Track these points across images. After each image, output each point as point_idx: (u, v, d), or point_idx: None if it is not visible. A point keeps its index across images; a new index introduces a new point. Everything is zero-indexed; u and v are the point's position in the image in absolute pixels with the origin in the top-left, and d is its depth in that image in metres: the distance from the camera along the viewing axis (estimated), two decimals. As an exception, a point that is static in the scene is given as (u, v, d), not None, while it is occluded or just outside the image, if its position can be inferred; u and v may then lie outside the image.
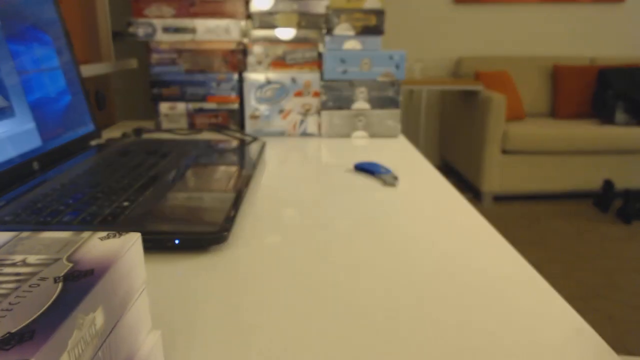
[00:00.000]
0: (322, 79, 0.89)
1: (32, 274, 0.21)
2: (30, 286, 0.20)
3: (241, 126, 0.94)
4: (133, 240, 0.24)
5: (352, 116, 0.90)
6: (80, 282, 0.20)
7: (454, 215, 0.51)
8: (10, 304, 0.18)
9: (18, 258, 0.22)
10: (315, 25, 0.90)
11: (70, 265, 0.21)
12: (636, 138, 2.75)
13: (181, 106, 0.93)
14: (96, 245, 0.23)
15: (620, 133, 2.74)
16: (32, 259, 0.22)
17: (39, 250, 0.23)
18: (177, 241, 0.41)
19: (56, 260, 0.22)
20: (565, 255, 2.11)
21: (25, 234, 0.25)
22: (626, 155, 2.80)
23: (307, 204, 0.53)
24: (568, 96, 3.13)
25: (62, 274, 0.21)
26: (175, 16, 0.90)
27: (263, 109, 0.91)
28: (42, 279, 0.20)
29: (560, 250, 2.15)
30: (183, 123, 0.93)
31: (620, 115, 2.86)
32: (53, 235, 0.24)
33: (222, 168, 0.63)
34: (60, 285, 0.20)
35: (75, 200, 0.47)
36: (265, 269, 0.39)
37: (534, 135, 2.73)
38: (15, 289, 0.19)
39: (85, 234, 0.24)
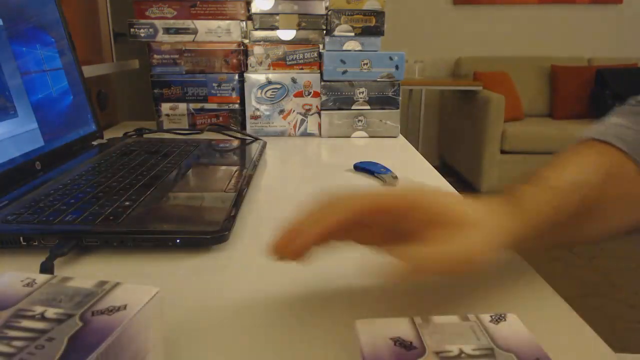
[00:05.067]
0: (322, 79, 0.90)
1: (43, 332, 0.21)
2: (35, 347, 0.20)
3: (242, 126, 0.94)
4: (147, 299, 0.24)
5: (352, 116, 0.91)
6: (84, 344, 0.21)
7: (453, 215, 0.51)
8: None
9: (38, 310, 0.23)
10: (315, 26, 0.91)
11: (80, 324, 0.22)
12: (634, 138, 2.75)
13: (182, 106, 0.93)
14: (112, 300, 0.24)
15: (619, 133, 2.75)
16: (50, 312, 0.23)
17: (59, 301, 0.24)
18: (178, 240, 0.41)
19: (70, 316, 0.23)
20: (563, 255, 2.11)
21: (56, 279, 0.26)
22: (624, 155, 2.80)
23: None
24: (566, 97, 3.13)
25: (69, 335, 0.21)
26: (176, 17, 0.90)
27: (263, 109, 0.91)
28: (50, 339, 0.21)
29: (558, 250, 2.16)
30: (184, 123, 0.94)
31: (618, 116, 2.86)
32: (78, 285, 0.25)
33: (223, 168, 0.63)
34: (63, 347, 0.20)
35: (77, 200, 0.47)
36: (266, 268, 0.39)
37: (533, 135, 2.74)
38: (23, 348, 0.20)
39: (108, 286, 0.25)
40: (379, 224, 0.32)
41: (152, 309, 0.25)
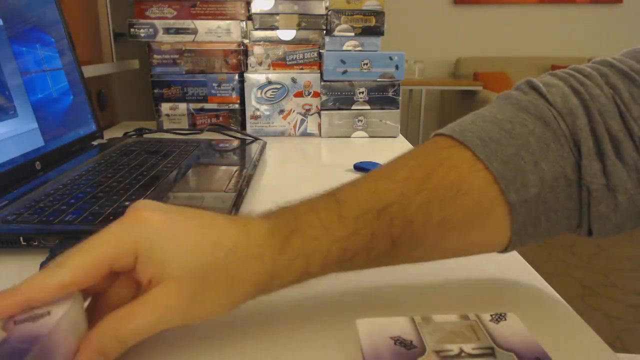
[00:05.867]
0: (322, 79, 0.90)
1: None
2: None
3: (242, 126, 0.94)
4: (70, 303, 0.24)
5: (352, 116, 0.91)
6: (13, 353, 0.20)
7: (453, 215, 0.51)
8: None
9: None
10: (315, 26, 0.91)
11: (4, 334, 0.22)
12: (634, 138, 2.75)
13: (182, 106, 0.93)
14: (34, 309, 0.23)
15: (619, 133, 2.75)
16: None
17: None
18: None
19: None
20: (563, 255, 2.11)
21: None
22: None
23: (308, 204, 0.54)
24: (567, 96, 3.13)
25: None
26: (177, 17, 0.90)
27: (263, 109, 0.91)
28: None
29: (558, 250, 2.16)
30: (184, 123, 0.94)
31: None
32: None
33: (223, 168, 0.63)
34: None
35: (77, 200, 0.47)
36: (267, 267, 0.39)
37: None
38: None
39: None
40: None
41: (76, 312, 0.24)
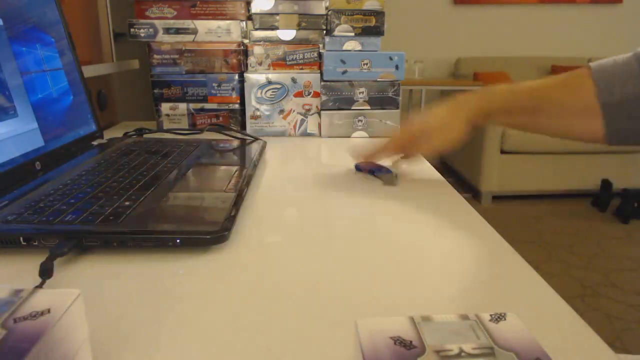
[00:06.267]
0: (322, 79, 0.90)
1: None
2: None
3: (242, 126, 0.95)
4: (70, 301, 0.24)
5: (352, 116, 0.91)
6: (13, 350, 0.20)
7: (453, 215, 0.51)
8: None
9: None
10: (315, 26, 0.91)
11: (4, 332, 0.21)
12: (634, 138, 2.75)
13: (182, 106, 0.93)
14: (33, 306, 0.23)
15: (619, 133, 2.74)
16: None
17: None
18: (178, 240, 0.41)
19: None
20: (563, 255, 2.11)
21: None
22: (624, 154, 2.81)
23: (308, 204, 0.54)
24: (567, 96, 3.12)
25: None
26: (177, 17, 0.90)
27: (263, 109, 0.91)
28: None
29: (558, 250, 2.16)
30: (184, 123, 0.94)
31: (618, 116, 2.86)
32: None
33: (223, 168, 0.63)
34: None
35: (77, 200, 0.47)
36: (266, 268, 0.39)
37: (532, 135, 2.73)
38: None
39: (24, 293, 0.24)
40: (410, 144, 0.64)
41: (76, 311, 0.25)
